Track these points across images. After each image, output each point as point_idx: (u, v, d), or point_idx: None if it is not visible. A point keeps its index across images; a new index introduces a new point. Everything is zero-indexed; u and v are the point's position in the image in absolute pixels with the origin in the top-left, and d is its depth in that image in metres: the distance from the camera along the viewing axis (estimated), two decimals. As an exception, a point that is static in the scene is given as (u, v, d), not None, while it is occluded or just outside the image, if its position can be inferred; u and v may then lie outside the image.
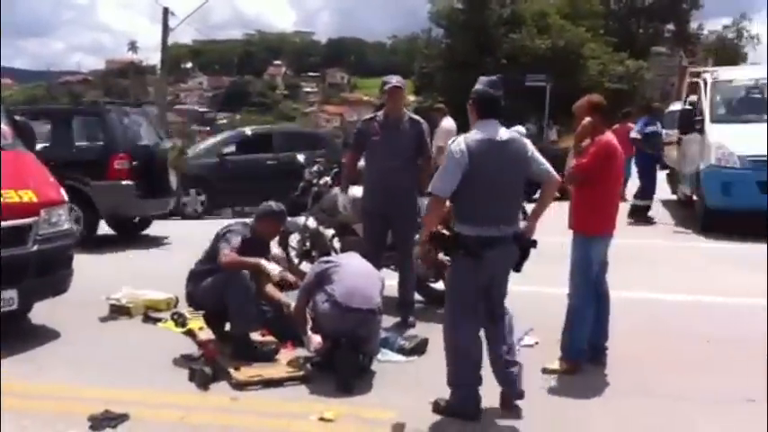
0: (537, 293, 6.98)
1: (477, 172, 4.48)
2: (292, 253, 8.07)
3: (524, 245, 4.67)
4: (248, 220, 6.19)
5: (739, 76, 13.73)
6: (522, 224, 4.83)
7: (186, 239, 11.17)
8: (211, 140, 18.91)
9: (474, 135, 4.60)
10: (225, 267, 5.64)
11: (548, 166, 4.76)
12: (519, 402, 4.76)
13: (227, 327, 5.90)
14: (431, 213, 4.66)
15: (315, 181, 8.05)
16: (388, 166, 6.62)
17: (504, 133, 4.64)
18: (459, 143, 4.55)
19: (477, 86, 4.78)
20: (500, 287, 4.79)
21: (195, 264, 6.06)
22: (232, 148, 16.79)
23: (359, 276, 5.49)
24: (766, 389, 4.92)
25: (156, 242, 12.04)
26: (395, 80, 6.67)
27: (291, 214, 6.95)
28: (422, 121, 6.88)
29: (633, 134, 13.96)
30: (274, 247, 6.70)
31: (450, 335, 4.72)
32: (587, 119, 5.39)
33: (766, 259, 8.33)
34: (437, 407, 4.73)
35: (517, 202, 4.82)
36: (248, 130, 19.37)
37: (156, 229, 12.79)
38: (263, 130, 20.14)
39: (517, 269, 4.74)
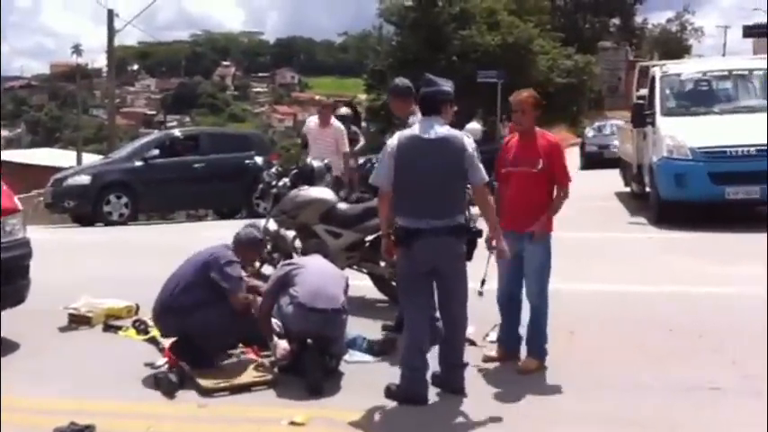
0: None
1: (404, 167, 4.74)
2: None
3: (470, 236, 4.88)
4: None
5: (688, 69, 13.97)
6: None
7: (125, 246, 11.14)
8: (136, 143, 18.27)
9: (407, 132, 4.89)
10: (243, 310, 5.48)
11: (480, 171, 4.83)
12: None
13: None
14: (380, 207, 4.96)
15: (274, 183, 7.98)
16: None
17: (439, 131, 4.79)
18: (394, 139, 4.85)
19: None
20: (448, 278, 4.87)
21: (172, 294, 5.52)
22: (156, 152, 15.97)
23: (322, 277, 5.47)
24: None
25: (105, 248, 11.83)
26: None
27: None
28: None
29: None
30: None
31: (404, 320, 5.01)
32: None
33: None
34: (389, 392, 4.88)
35: (452, 197, 4.85)
36: (177, 132, 19.10)
37: (87, 236, 12.60)
38: (190, 132, 19.89)
39: (468, 257, 4.91)
